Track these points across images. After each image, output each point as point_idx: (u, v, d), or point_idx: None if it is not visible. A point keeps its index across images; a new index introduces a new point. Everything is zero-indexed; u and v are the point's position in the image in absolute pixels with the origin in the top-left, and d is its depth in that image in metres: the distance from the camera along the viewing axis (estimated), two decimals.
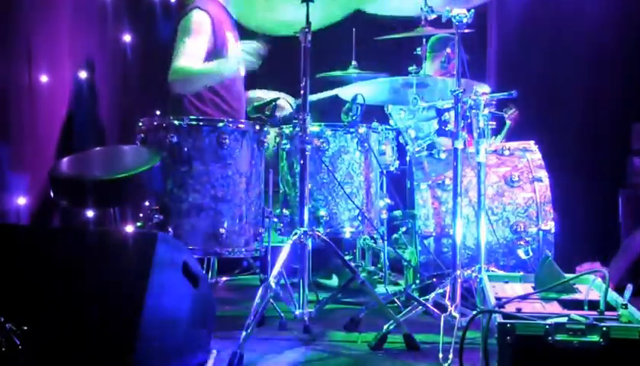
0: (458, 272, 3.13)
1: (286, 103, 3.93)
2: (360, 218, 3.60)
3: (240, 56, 3.73)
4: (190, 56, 3.73)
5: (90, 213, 3.64)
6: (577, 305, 2.10)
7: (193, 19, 3.78)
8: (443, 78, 4.07)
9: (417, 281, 3.69)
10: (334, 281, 4.42)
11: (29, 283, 2.25)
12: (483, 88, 3.59)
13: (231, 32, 3.95)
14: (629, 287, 2.05)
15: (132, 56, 4.50)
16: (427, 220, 3.69)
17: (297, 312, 3.19)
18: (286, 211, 3.65)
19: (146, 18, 4.62)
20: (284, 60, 3.89)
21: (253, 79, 4.23)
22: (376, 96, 3.88)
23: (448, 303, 3.07)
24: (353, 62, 4.63)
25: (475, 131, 3.24)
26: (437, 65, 4.82)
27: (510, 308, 2.06)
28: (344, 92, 3.85)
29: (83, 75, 4.00)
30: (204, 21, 3.79)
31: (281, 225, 3.66)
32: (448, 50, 4.62)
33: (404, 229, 4.38)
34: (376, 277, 4.38)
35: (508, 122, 4.62)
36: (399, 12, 4.07)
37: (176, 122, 3.32)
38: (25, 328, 2.14)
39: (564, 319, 1.92)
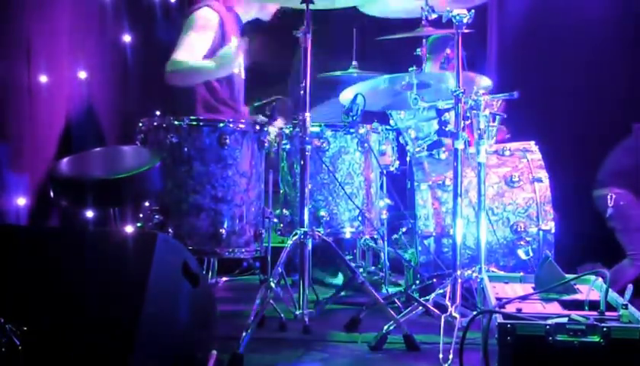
0: (458, 272, 3.14)
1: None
2: (360, 218, 3.60)
3: (236, 53, 3.72)
4: (191, 50, 3.76)
5: (90, 213, 3.63)
6: (577, 305, 2.10)
7: (202, 15, 3.83)
8: (440, 73, 4.07)
9: (418, 282, 3.69)
10: (339, 279, 4.41)
11: (29, 283, 2.25)
12: (483, 80, 3.59)
13: (236, 37, 3.96)
14: (629, 287, 2.05)
15: (132, 56, 4.50)
16: (427, 220, 3.69)
17: (297, 312, 3.19)
18: (286, 211, 3.64)
19: (146, 18, 4.62)
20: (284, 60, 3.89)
21: (252, 82, 4.23)
22: (375, 99, 3.86)
23: (448, 303, 3.07)
24: (354, 62, 4.62)
25: (476, 132, 3.24)
26: (438, 66, 4.81)
27: (510, 308, 2.06)
28: (345, 94, 3.84)
29: (83, 75, 3.99)
30: (212, 19, 3.84)
31: (281, 225, 3.65)
32: (447, 51, 4.62)
33: (404, 229, 4.37)
34: (376, 277, 4.37)
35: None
36: (401, 14, 4.05)
37: (176, 122, 3.31)
38: (25, 328, 2.14)
39: (564, 320, 1.92)
